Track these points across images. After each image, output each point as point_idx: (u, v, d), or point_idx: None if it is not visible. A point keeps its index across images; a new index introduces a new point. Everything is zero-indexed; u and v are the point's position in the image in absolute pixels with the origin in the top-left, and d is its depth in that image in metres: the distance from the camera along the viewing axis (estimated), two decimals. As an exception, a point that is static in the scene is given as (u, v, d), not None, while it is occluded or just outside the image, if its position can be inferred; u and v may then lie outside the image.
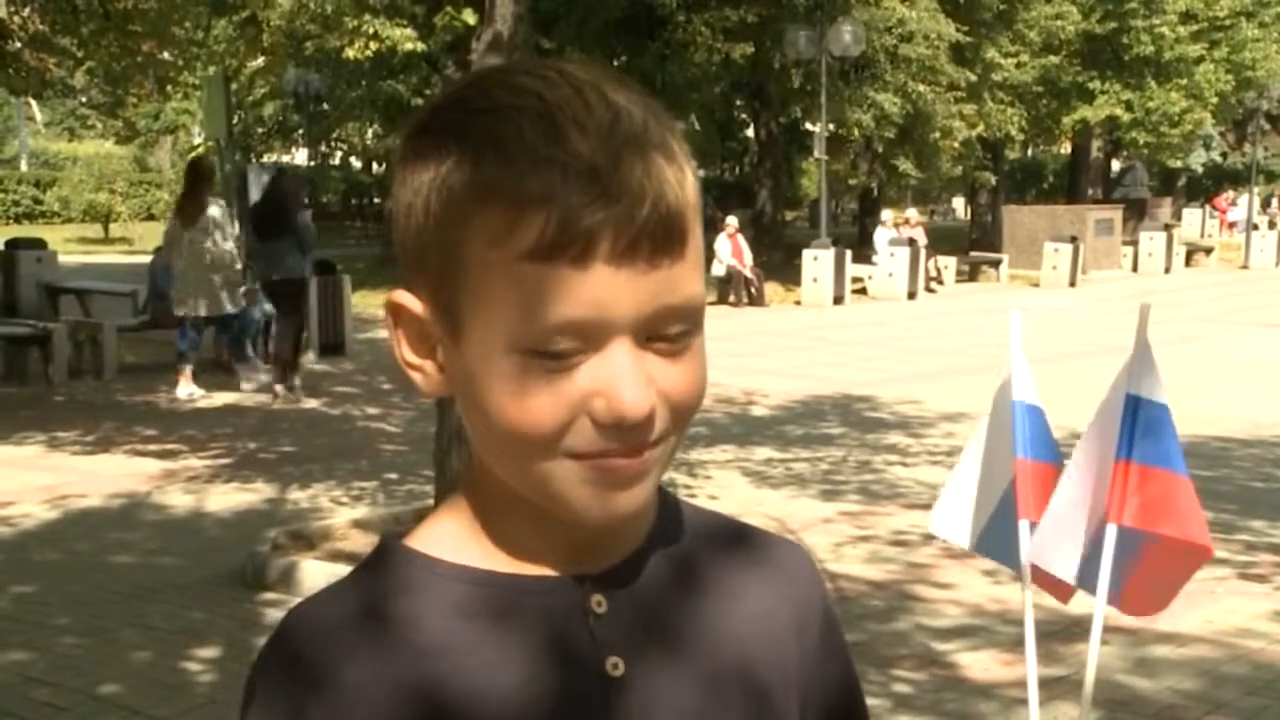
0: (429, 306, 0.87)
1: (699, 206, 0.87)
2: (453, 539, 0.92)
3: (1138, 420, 2.19)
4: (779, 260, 25.28)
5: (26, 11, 15.13)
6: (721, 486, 8.39)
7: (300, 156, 37.20)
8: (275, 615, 5.37)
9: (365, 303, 17.29)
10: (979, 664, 5.16)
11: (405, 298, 0.88)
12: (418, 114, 0.90)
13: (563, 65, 0.86)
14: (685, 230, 0.84)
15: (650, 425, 0.84)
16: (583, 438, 0.83)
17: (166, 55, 16.55)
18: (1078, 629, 5.51)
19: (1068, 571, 2.40)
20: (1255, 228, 32.84)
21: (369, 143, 35.78)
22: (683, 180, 0.84)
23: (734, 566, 0.98)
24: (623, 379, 0.82)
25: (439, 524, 0.94)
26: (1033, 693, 2.46)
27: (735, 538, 1.01)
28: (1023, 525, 2.62)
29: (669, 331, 0.84)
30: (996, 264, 27.32)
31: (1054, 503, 2.34)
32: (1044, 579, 2.47)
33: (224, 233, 11.40)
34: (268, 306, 13.92)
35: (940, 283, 25.03)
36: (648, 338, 0.83)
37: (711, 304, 21.18)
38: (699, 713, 0.91)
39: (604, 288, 0.81)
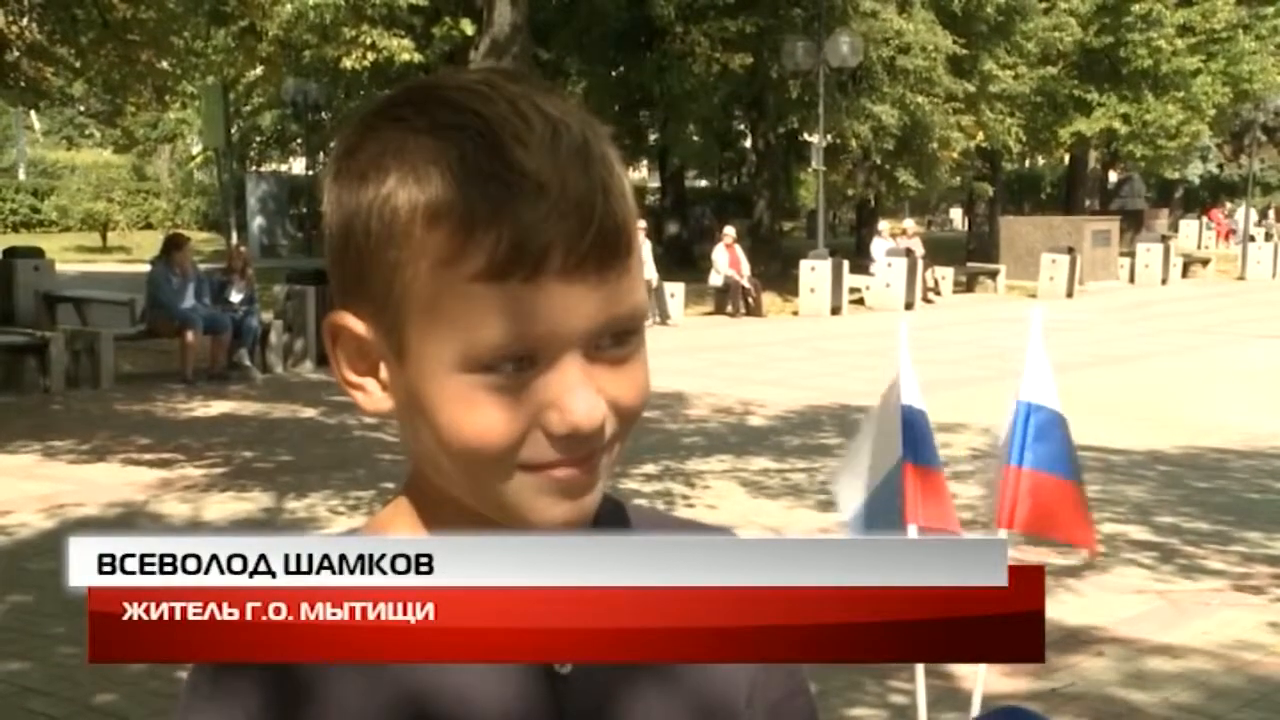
0: (371, 326, 0.87)
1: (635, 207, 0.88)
2: None
3: (1029, 426, 2.18)
4: (776, 270, 25.31)
5: (25, 21, 15.15)
6: (719, 496, 8.40)
7: (298, 166, 37.22)
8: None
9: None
10: (975, 674, 5.15)
11: (345, 318, 0.88)
12: (348, 131, 0.88)
13: (492, 76, 0.86)
14: (630, 241, 0.85)
15: (602, 433, 0.85)
16: (536, 449, 0.84)
17: (165, 64, 16.56)
18: (1072, 640, 5.52)
19: None
20: (1251, 239, 32.91)
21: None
22: (624, 191, 0.85)
23: None
24: (575, 392, 0.83)
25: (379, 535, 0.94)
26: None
27: (673, 530, 1.02)
28: (911, 529, 2.64)
29: (616, 341, 0.85)
30: (994, 275, 27.36)
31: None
32: None
33: None
34: (265, 316, 13.98)
35: (938, 293, 25.06)
36: (597, 346, 0.84)
37: (709, 314, 21.26)
38: (646, 712, 0.92)
39: (556, 304, 0.81)
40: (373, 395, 0.89)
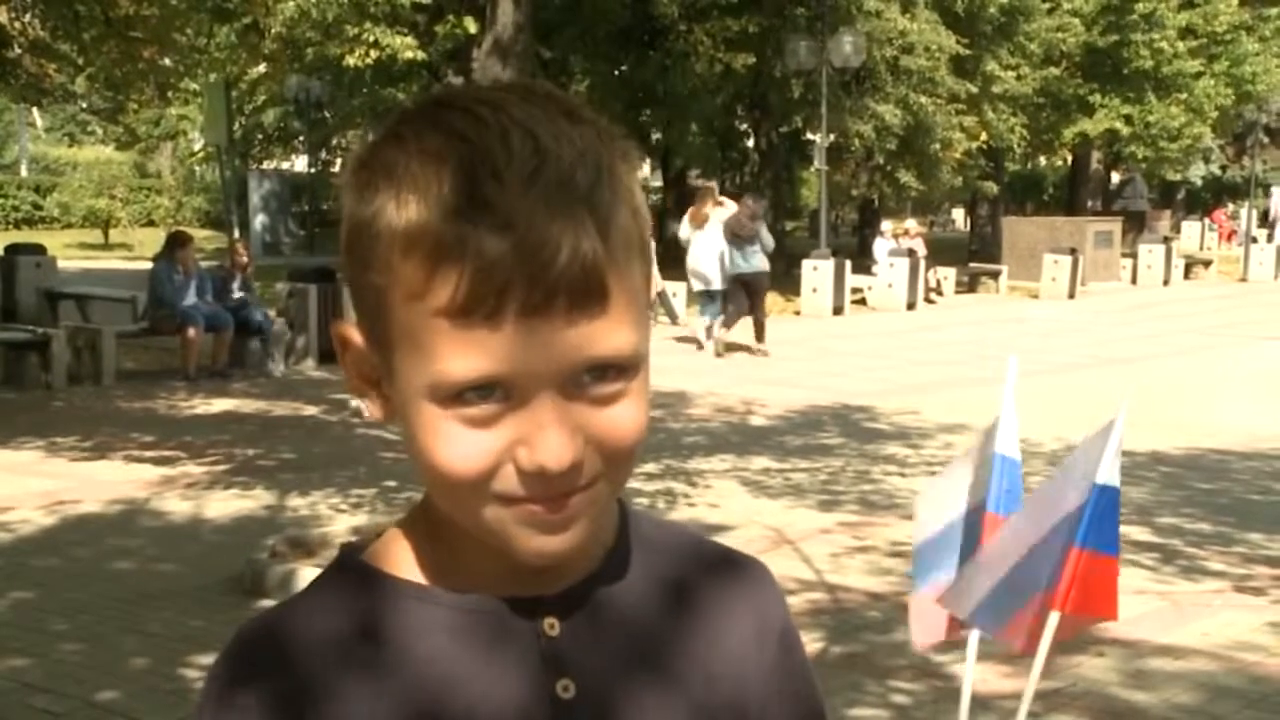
0: (367, 341, 0.88)
1: (642, 243, 0.85)
2: (410, 560, 0.93)
3: (1098, 507, 2.12)
4: (779, 270, 25.17)
5: (27, 17, 15.16)
6: (720, 496, 8.39)
7: (301, 163, 37.20)
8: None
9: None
10: (977, 675, 5.15)
11: (348, 329, 0.89)
12: (367, 140, 0.88)
13: (503, 97, 0.84)
14: (604, 286, 0.81)
15: (576, 473, 0.83)
16: (509, 483, 0.83)
17: (168, 61, 16.56)
18: (1074, 641, 5.52)
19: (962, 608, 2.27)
20: (1254, 240, 32.90)
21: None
22: (607, 230, 0.82)
23: (692, 585, 0.97)
24: (544, 431, 0.82)
25: (395, 544, 0.95)
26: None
27: (694, 555, 1.00)
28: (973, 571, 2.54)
29: (600, 379, 0.83)
30: (996, 275, 27.34)
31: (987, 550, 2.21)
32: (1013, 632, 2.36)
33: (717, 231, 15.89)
34: (271, 312, 14.08)
35: (939, 294, 25.05)
36: (577, 385, 0.83)
37: (711, 313, 21.22)
38: None
39: (519, 345, 0.80)
40: (376, 404, 0.90)
